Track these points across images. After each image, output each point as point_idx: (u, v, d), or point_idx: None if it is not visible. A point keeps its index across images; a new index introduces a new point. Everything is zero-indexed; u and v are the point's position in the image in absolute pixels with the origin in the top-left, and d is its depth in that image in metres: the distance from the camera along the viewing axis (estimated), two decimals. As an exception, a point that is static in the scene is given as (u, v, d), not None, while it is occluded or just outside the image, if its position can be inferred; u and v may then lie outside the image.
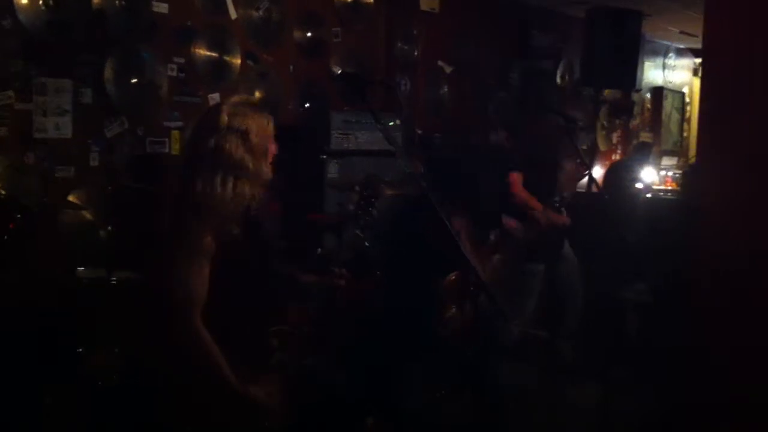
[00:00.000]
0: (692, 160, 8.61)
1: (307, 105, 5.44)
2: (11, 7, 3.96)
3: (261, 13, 5.11)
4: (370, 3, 5.80)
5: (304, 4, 5.42)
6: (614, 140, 9.04)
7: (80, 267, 3.89)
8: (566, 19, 7.67)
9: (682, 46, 9.83)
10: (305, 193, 4.90)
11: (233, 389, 2.28)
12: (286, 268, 2.70)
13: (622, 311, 5.59)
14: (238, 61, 4.98)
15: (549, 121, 4.82)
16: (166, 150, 4.60)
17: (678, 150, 10.15)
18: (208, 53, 4.83)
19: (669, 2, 6.71)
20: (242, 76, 5.02)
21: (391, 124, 5.18)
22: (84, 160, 4.26)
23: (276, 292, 2.56)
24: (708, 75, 3.38)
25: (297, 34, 5.41)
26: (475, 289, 3.60)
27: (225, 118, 2.34)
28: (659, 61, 9.75)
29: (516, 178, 4.57)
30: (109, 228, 4.19)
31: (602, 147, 8.70)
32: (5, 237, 3.62)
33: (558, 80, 7.82)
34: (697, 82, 9.59)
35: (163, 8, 4.55)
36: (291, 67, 5.34)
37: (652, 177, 8.53)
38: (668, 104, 9.99)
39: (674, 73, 9.99)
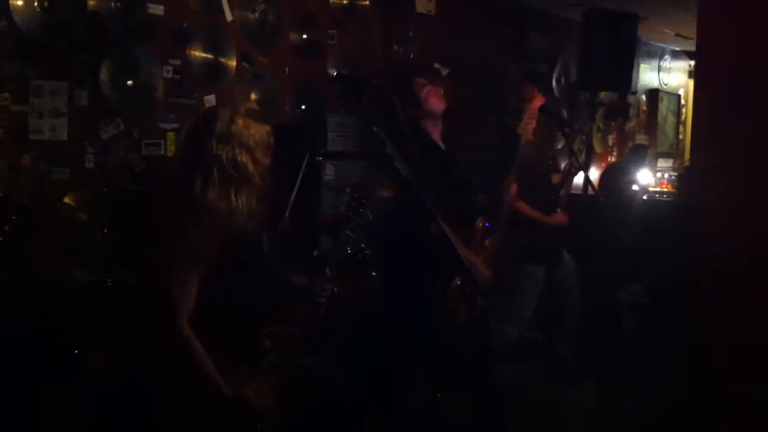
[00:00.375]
0: (688, 162, 8.62)
1: (303, 107, 5.44)
2: (7, 9, 3.95)
3: (257, 15, 5.11)
4: (365, 5, 5.80)
5: (300, 6, 5.42)
6: (610, 142, 9.05)
7: (76, 269, 3.89)
8: (562, 21, 7.68)
9: (677, 49, 9.86)
10: (303, 195, 4.89)
11: (222, 391, 2.29)
12: (282, 268, 2.71)
13: (618, 312, 5.60)
14: (234, 63, 4.98)
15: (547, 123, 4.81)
16: (162, 152, 4.60)
17: (674, 152, 10.17)
18: (204, 55, 4.82)
19: (664, 5, 6.73)
20: (238, 77, 5.01)
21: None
22: (80, 161, 4.26)
23: (269, 294, 2.56)
24: (701, 75, 3.39)
25: (293, 36, 5.41)
26: (473, 290, 3.60)
27: (230, 126, 2.34)
28: (655, 63, 9.78)
29: (511, 185, 4.32)
30: (105, 230, 4.18)
31: (598, 149, 8.72)
32: (1, 238, 3.61)
33: (554, 83, 7.83)
34: (692, 85, 9.61)
35: (158, 10, 4.54)
36: (286, 69, 5.34)
37: (648, 179, 8.55)
38: (664, 106, 10.01)
39: (670, 75, 10.02)
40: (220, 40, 4.90)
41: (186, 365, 2.27)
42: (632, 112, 9.36)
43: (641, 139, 9.47)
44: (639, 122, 9.63)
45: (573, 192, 5.94)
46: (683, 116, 10.36)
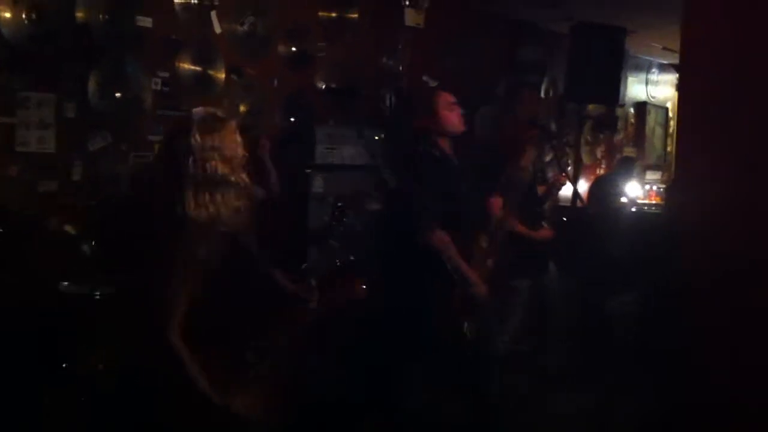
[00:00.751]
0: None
1: (292, 119, 5.44)
2: (-6, 21, 3.94)
3: (246, 27, 5.11)
4: (355, 17, 5.81)
5: (289, 18, 5.43)
6: (598, 155, 9.08)
7: (64, 282, 3.86)
8: (551, 34, 7.72)
9: (665, 62, 9.92)
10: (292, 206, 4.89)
11: (212, 401, 2.28)
12: (266, 267, 2.70)
13: (607, 323, 5.60)
14: (223, 75, 4.97)
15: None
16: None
17: (662, 164, 10.21)
18: (193, 67, 4.82)
19: (652, 18, 6.77)
20: (226, 89, 5.01)
21: (376, 138, 5.18)
22: (67, 173, 4.24)
23: (257, 299, 2.56)
24: (685, 87, 3.41)
25: (282, 48, 5.41)
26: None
27: (197, 138, 2.34)
28: (642, 76, 9.83)
29: (497, 201, 4.31)
30: (93, 242, 4.16)
31: (586, 161, 8.75)
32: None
33: (542, 95, 7.86)
34: (679, 97, 9.65)
35: (147, 22, 4.54)
36: (275, 81, 5.34)
37: (637, 191, 8.58)
38: (651, 119, 10.07)
39: (657, 88, 10.08)
40: (209, 52, 4.90)
41: (176, 375, 2.27)
42: (620, 124, 9.40)
43: (629, 151, 9.52)
44: (627, 135, 9.68)
45: (562, 204, 5.96)
46: (671, 129, 10.41)
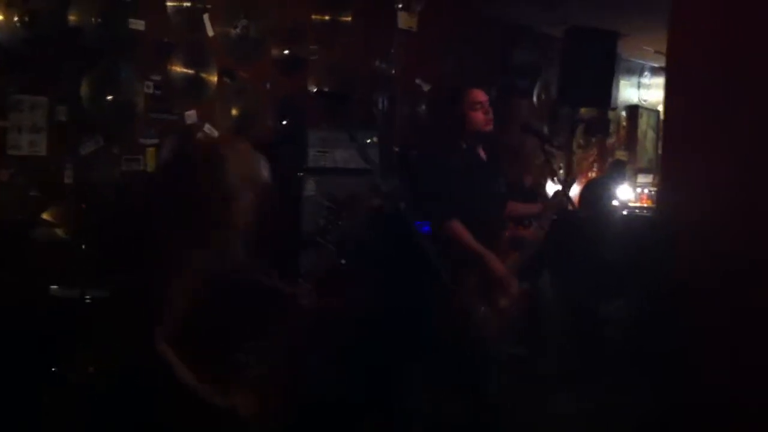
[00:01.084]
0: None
1: (284, 122, 5.43)
2: (-14, 24, 3.93)
3: (238, 30, 5.11)
4: (348, 21, 5.81)
5: (282, 22, 5.43)
6: (591, 158, 9.11)
7: (53, 285, 3.85)
8: (543, 37, 7.73)
9: (656, 66, 9.95)
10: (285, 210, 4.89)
11: (207, 402, 2.28)
12: (255, 273, 2.69)
13: (600, 326, 5.62)
14: (215, 78, 4.97)
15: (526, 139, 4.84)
16: (141, 167, 4.57)
17: (653, 167, 10.24)
18: (185, 70, 4.81)
19: (644, 22, 6.79)
20: (219, 93, 5.00)
21: (369, 141, 5.18)
22: (59, 177, 4.23)
23: (249, 303, 2.56)
24: (672, 90, 3.43)
25: (274, 52, 5.40)
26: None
27: (210, 164, 2.34)
28: (635, 80, 9.87)
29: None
30: (83, 246, 4.15)
31: (578, 165, 8.77)
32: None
33: (535, 99, 7.88)
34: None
35: (139, 25, 4.52)
36: (268, 84, 5.33)
37: (628, 194, 8.61)
38: (643, 122, 10.11)
39: (649, 91, 10.12)
40: (202, 55, 4.89)
41: (166, 380, 2.27)
42: (612, 128, 9.43)
43: (621, 155, 9.54)
44: (619, 138, 9.71)
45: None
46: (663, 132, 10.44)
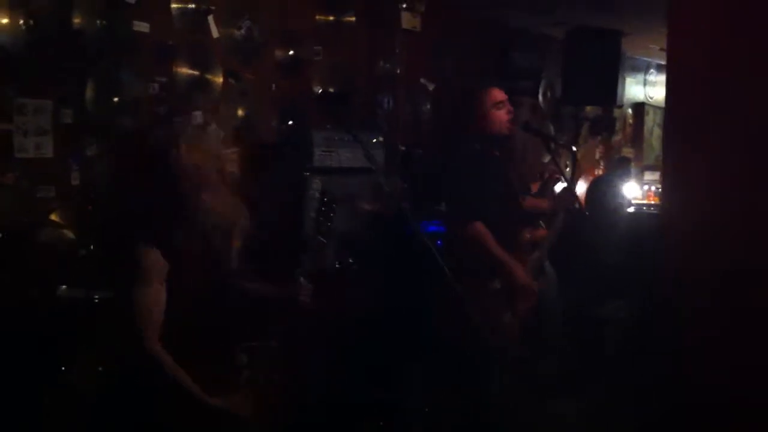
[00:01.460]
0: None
1: (290, 122, 5.45)
2: (-9, 27, 3.96)
3: (242, 31, 5.13)
4: (351, 21, 5.83)
5: (286, 23, 5.44)
6: (596, 156, 9.10)
7: (62, 286, 3.89)
8: (546, 38, 7.73)
9: (662, 63, 9.93)
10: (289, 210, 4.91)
11: (202, 405, 2.31)
12: (234, 278, 2.71)
13: (601, 326, 5.62)
14: (220, 80, 4.99)
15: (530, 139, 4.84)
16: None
17: (660, 165, 10.22)
18: (190, 72, 4.84)
19: (647, 21, 6.78)
20: (223, 94, 5.02)
21: (374, 141, 5.20)
22: (65, 179, 4.26)
23: (237, 307, 2.58)
24: (672, 88, 3.42)
25: (278, 53, 5.43)
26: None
27: (183, 163, 2.36)
28: (640, 77, 9.85)
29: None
30: (91, 247, 4.18)
31: (584, 163, 8.76)
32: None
33: (540, 98, 7.88)
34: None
35: (143, 27, 4.55)
36: (273, 86, 5.35)
37: (635, 192, 8.61)
38: (650, 120, 10.09)
39: (655, 89, 10.09)
40: (206, 56, 4.91)
41: (160, 381, 2.29)
42: (618, 125, 9.42)
43: (627, 152, 9.54)
44: (625, 135, 9.70)
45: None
46: (669, 129, 10.42)
